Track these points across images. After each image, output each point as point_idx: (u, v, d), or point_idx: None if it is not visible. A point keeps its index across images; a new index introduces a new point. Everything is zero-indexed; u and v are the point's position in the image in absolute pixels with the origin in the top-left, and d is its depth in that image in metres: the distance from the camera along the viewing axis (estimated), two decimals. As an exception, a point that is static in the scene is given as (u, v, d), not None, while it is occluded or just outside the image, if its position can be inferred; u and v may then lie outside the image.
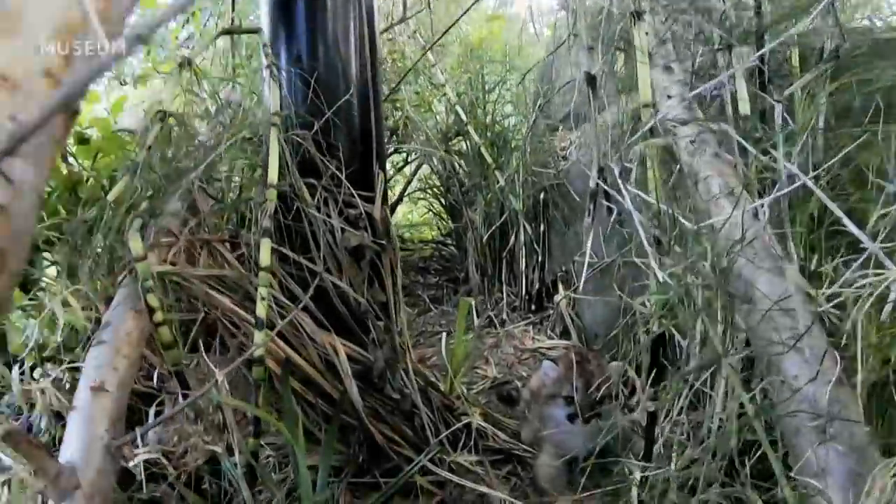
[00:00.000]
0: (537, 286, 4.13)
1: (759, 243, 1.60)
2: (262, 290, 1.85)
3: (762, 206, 1.71)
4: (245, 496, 1.85)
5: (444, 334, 3.57)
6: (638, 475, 2.05)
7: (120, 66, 4.30)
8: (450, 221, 5.32)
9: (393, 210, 4.98)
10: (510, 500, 2.17)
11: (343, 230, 2.15)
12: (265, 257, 1.89)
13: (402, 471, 2.20)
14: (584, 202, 3.48)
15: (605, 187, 1.96)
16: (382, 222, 2.28)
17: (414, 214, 6.10)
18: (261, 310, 1.85)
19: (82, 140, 2.91)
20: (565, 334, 3.71)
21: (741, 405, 1.63)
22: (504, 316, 4.12)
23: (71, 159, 2.63)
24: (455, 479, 2.18)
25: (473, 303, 3.67)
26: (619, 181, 1.69)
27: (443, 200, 5.30)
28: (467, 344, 2.98)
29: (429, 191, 5.39)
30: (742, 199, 1.71)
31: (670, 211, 1.72)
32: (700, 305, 1.69)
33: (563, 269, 3.92)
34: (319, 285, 2.11)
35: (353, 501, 2.21)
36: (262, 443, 2.22)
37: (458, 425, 2.41)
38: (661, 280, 1.54)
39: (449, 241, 5.51)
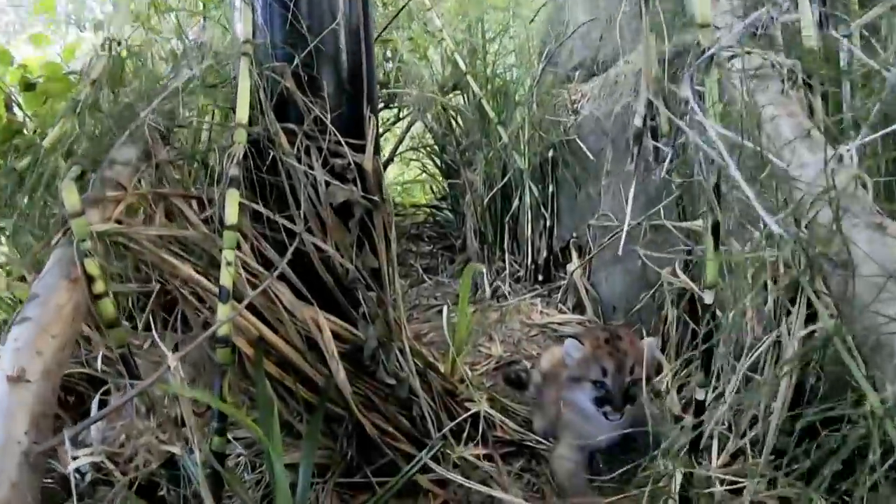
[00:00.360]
0: (545, 254, 3.93)
1: (852, 195, 1.32)
2: (228, 254, 1.60)
3: (848, 150, 1.43)
4: (207, 505, 1.57)
5: (442, 308, 3.32)
6: (678, 474, 1.81)
7: (80, 10, 4.00)
8: (445, 183, 5.16)
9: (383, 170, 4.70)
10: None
11: (328, 184, 1.95)
12: (232, 213, 1.63)
13: (399, 469, 2.06)
14: (598, 161, 3.42)
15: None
16: (374, 175, 2.06)
17: (406, 176, 5.83)
18: (226, 278, 1.61)
19: (28, 86, 2.62)
20: (578, 308, 3.51)
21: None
22: (507, 288, 3.93)
23: (17, 109, 2.50)
24: (460, 479, 2.03)
25: (477, 270, 3.50)
26: (694, 102, 1.39)
27: (438, 161, 5.10)
28: (471, 318, 2.79)
29: (422, 150, 5.17)
30: (824, 143, 1.43)
31: (753, 147, 1.43)
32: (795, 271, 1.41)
33: (575, 234, 3.70)
34: (299, 249, 1.91)
35: None
36: (231, 438, 2.06)
37: (465, 415, 2.29)
38: (776, 232, 1.24)
39: (444, 205, 5.35)
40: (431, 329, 3.42)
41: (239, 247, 1.80)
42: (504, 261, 4.15)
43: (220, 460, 1.74)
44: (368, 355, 2.02)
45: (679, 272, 2.62)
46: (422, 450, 2.10)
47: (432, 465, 2.06)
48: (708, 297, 1.61)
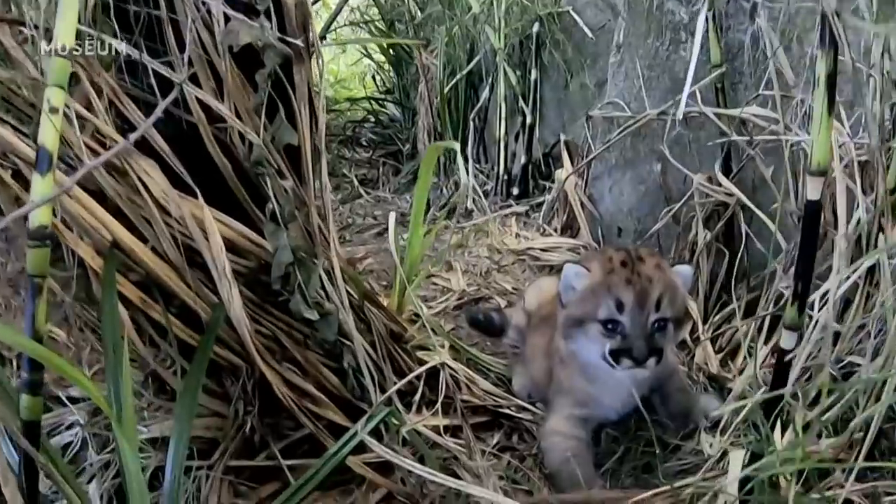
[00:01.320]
0: (523, 161, 3.71)
1: None
2: (54, 95, 1.32)
3: None
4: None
5: (384, 231, 3.34)
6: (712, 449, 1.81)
7: None
8: (392, 72, 5.01)
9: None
10: (508, 502, 1.64)
11: (227, 18, 1.73)
12: (66, 31, 1.35)
13: (323, 447, 1.83)
14: (598, 40, 3.21)
15: None
16: (298, 9, 1.83)
17: (341, 64, 5.66)
18: (49, 135, 1.31)
19: None
20: (569, 229, 3.24)
21: None
22: (470, 204, 3.66)
23: None
24: (411, 463, 1.72)
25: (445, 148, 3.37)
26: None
27: (385, 46, 4.92)
28: (426, 237, 2.54)
29: (364, 26, 4.94)
30: None
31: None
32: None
33: (565, 134, 3.44)
34: (180, 114, 1.75)
35: (233, 501, 1.77)
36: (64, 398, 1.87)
37: (420, 370, 2.05)
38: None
39: (390, 100, 5.17)
40: (370, 254, 3.21)
41: (89, 107, 1.62)
42: (467, 170, 3.90)
43: (32, 434, 1.41)
44: (278, 276, 1.81)
45: (719, 176, 2.35)
46: (356, 419, 1.88)
47: (371, 442, 1.78)
48: (813, 190, 1.21)
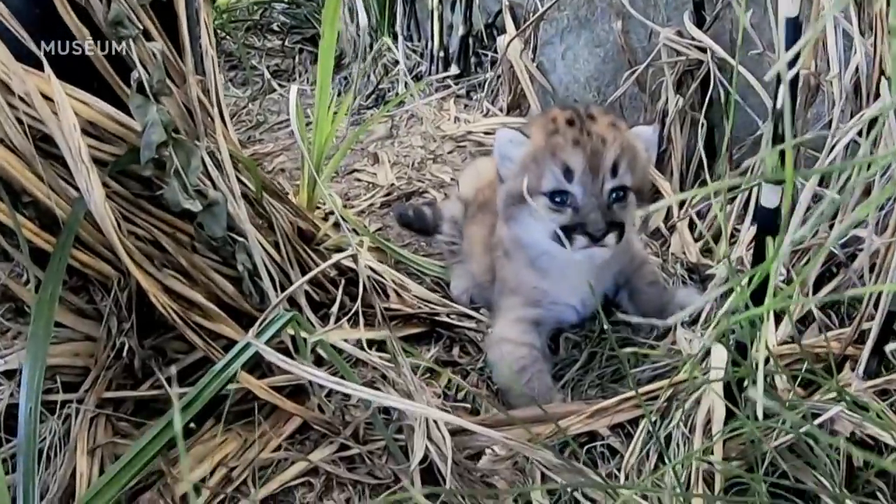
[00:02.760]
0: (461, 32, 3.66)
1: None
2: None
3: None
4: None
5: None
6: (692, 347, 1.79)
7: None
8: None
9: None
10: (447, 418, 1.63)
11: None
12: None
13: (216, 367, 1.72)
14: None
15: None
16: None
17: None
18: None
19: None
20: (517, 108, 3.23)
21: None
22: (402, 88, 3.66)
23: None
24: (325, 377, 1.59)
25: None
26: None
27: None
28: (337, 121, 2.51)
29: None
30: None
31: None
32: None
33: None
34: None
35: (110, 439, 1.72)
36: None
37: (324, 265, 2.03)
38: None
39: None
40: (282, 151, 3.19)
41: None
42: (396, 48, 3.89)
43: None
44: (149, 158, 1.75)
45: (690, 27, 2.29)
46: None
47: (267, 351, 1.64)
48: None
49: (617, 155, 1.78)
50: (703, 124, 2.34)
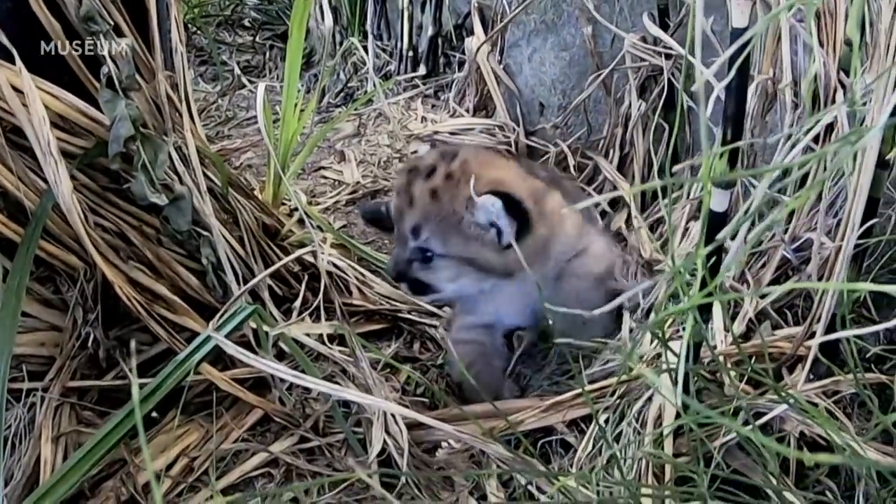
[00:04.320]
0: (430, 33, 3.68)
1: None
2: None
3: None
4: None
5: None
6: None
7: None
8: None
9: None
10: (403, 412, 1.68)
11: None
12: None
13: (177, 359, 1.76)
14: None
15: None
16: None
17: None
18: None
19: None
20: (483, 109, 3.26)
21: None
22: (370, 87, 3.68)
23: None
24: (283, 370, 1.65)
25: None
26: None
27: None
28: (303, 118, 2.56)
29: None
30: None
31: None
32: None
33: (478, 0, 3.39)
34: None
35: (75, 427, 1.75)
36: None
37: (286, 260, 2.07)
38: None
39: None
40: (250, 147, 3.20)
41: None
42: (366, 49, 3.91)
43: None
44: (117, 152, 1.78)
45: (653, 28, 2.36)
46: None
47: (227, 344, 1.69)
48: (739, 17, 1.23)
49: (418, 222, 1.88)
50: (663, 128, 2.39)
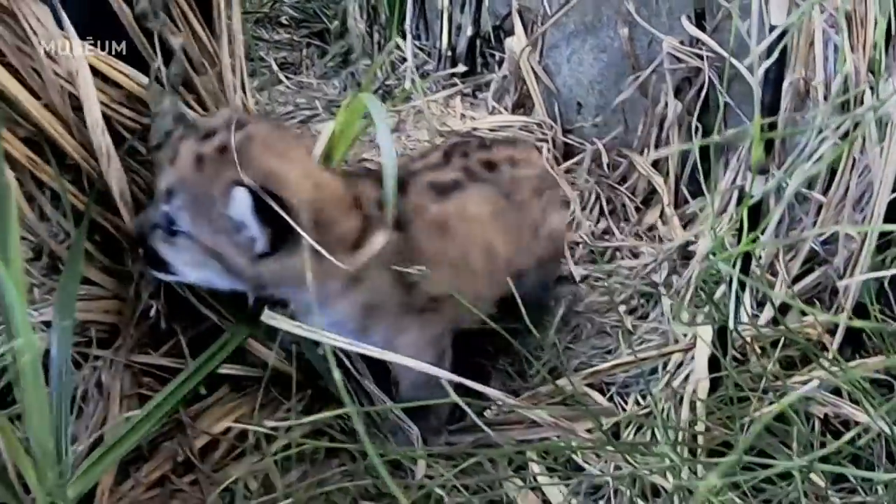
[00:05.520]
0: (469, 33, 3.72)
1: None
2: None
3: None
4: None
5: (307, 120, 3.39)
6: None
7: None
8: None
9: None
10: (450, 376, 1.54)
11: None
12: None
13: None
14: None
15: None
16: None
17: None
18: None
19: None
20: (521, 107, 3.31)
21: None
22: (408, 84, 3.73)
23: None
24: (339, 340, 1.58)
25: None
26: None
27: None
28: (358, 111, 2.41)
29: None
30: None
31: None
32: None
33: (518, 1, 3.41)
34: None
35: (136, 391, 1.84)
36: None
37: None
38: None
39: None
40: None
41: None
42: (403, 48, 3.92)
43: None
44: (155, 143, 1.81)
45: (692, 29, 2.40)
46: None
47: (286, 322, 1.60)
48: (777, 14, 1.32)
49: (172, 184, 1.60)
50: (700, 130, 2.47)
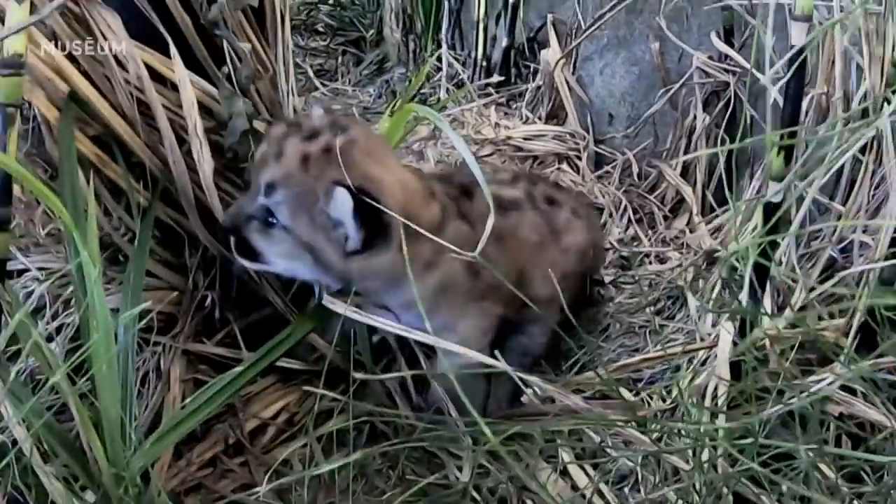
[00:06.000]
0: (504, 44, 3.77)
1: None
2: None
3: None
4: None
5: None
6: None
7: None
8: None
9: None
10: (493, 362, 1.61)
11: None
12: None
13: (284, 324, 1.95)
14: None
15: None
16: None
17: None
18: None
19: None
20: (554, 117, 3.39)
21: None
22: (443, 94, 3.83)
23: None
24: (389, 324, 1.75)
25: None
26: None
27: None
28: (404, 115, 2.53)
29: None
30: None
31: None
32: None
33: (553, 14, 3.50)
34: None
35: (192, 376, 1.97)
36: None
37: None
38: None
39: None
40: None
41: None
42: (440, 59, 4.01)
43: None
44: (231, 142, 1.94)
45: (723, 47, 2.47)
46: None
47: (344, 308, 1.77)
48: (798, 36, 1.42)
49: (276, 179, 1.69)
50: (724, 140, 2.55)
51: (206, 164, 1.83)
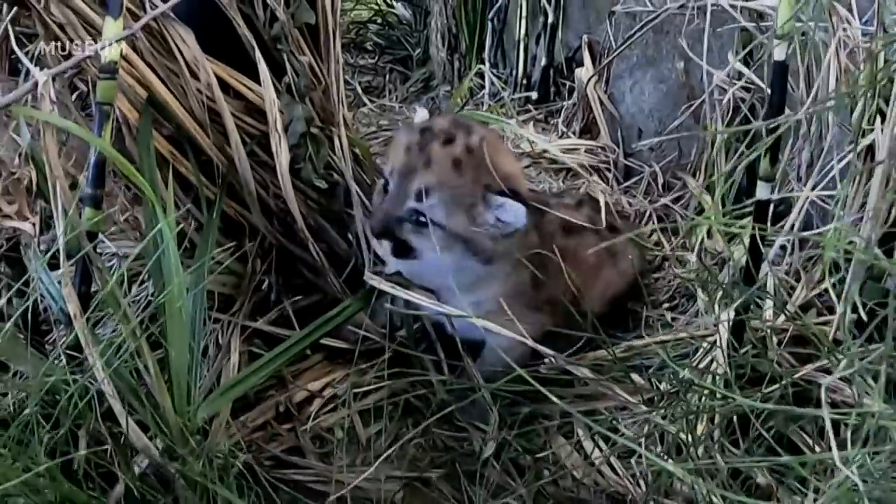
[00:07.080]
0: (543, 63, 3.93)
1: None
2: None
3: None
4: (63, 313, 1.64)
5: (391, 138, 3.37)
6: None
7: None
8: None
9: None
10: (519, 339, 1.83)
11: None
12: None
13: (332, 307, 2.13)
14: None
15: None
16: None
17: None
18: None
19: None
20: (588, 132, 3.55)
21: None
22: (485, 110, 3.92)
23: None
24: (432, 304, 1.98)
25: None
26: None
27: None
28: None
29: None
30: None
31: None
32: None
33: (589, 34, 3.67)
34: None
35: (248, 348, 2.17)
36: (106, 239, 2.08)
37: None
38: None
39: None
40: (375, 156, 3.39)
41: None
42: (483, 76, 4.14)
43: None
44: (291, 144, 2.09)
45: (737, 64, 2.58)
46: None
47: (389, 286, 2.01)
48: (779, 53, 1.61)
49: (430, 184, 1.86)
50: (743, 153, 2.62)
51: (283, 155, 2.01)
